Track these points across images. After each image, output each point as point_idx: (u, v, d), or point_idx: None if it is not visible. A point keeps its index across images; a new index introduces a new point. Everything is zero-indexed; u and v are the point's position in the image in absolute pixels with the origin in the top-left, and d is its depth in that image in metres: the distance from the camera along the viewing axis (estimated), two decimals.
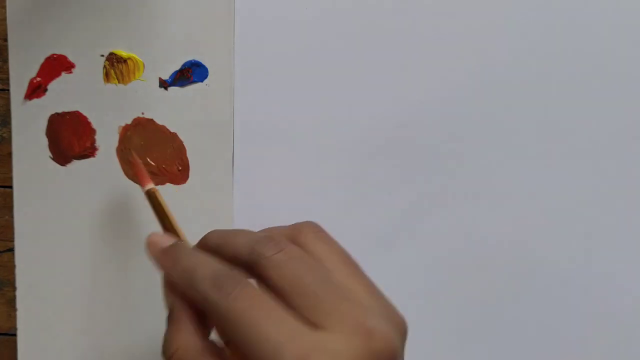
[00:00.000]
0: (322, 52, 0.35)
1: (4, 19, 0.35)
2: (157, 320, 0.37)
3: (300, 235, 0.27)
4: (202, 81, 0.35)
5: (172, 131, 0.36)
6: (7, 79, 0.35)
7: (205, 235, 0.28)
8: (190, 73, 0.35)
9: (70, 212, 0.36)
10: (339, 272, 0.26)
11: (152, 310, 0.36)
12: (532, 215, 0.36)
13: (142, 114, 0.35)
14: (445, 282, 0.36)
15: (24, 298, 0.37)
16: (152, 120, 0.35)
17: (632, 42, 0.35)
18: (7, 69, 0.35)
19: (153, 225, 0.36)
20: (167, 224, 0.31)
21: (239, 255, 0.26)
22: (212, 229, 0.28)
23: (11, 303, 0.37)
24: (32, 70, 0.35)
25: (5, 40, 0.35)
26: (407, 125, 0.35)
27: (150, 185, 0.32)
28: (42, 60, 0.35)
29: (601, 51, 0.35)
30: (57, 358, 0.37)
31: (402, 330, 0.25)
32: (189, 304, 0.27)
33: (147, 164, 0.36)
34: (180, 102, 0.35)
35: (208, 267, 0.26)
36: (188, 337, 0.26)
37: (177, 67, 0.35)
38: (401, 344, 0.25)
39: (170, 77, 0.35)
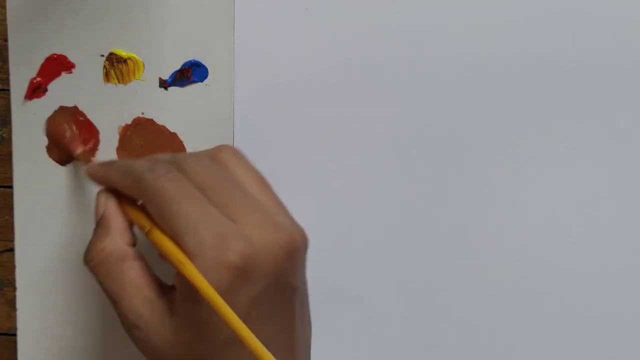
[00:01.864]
0: (322, 52, 0.35)
1: (4, 19, 0.35)
2: None
3: (218, 154, 0.29)
4: (202, 81, 0.35)
5: (172, 131, 0.36)
6: (7, 79, 0.35)
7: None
8: (190, 73, 0.35)
9: (70, 212, 0.36)
10: (252, 187, 0.29)
11: None
12: (532, 215, 0.36)
13: (142, 114, 0.35)
14: (445, 282, 0.36)
15: (24, 298, 0.37)
16: (152, 120, 0.35)
17: (633, 42, 0.35)
18: (7, 69, 0.35)
19: None
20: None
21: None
22: None
23: (11, 303, 0.37)
24: (32, 70, 0.35)
25: (5, 40, 0.35)
26: (408, 125, 0.35)
27: (81, 148, 0.35)
28: (42, 60, 0.35)
29: (601, 51, 0.35)
30: (57, 358, 0.37)
31: (303, 235, 0.28)
32: (119, 210, 0.29)
33: None
34: (180, 102, 0.35)
35: (143, 161, 0.29)
36: (113, 241, 0.28)
37: (177, 67, 0.35)
38: (304, 245, 0.28)
39: (170, 77, 0.35)
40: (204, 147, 0.35)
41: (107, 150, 0.36)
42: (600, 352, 0.37)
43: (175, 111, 0.35)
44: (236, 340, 0.24)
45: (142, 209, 0.28)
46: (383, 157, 0.36)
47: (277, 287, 0.26)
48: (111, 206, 0.29)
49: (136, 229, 0.29)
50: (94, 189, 0.36)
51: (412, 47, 0.35)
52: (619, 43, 0.35)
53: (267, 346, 0.24)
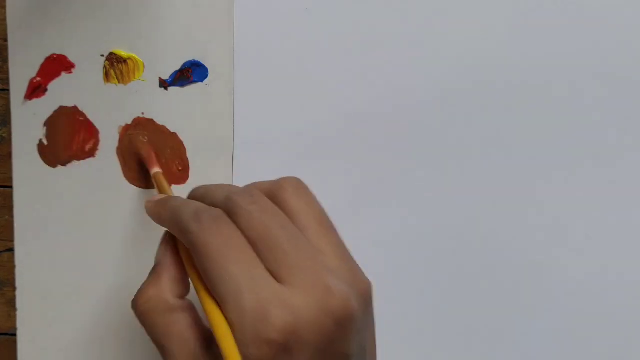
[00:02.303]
0: (323, 52, 0.35)
1: (4, 19, 0.35)
2: None
3: (279, 190, 0.27)
4: (202, 81, 0.35)
5: (172, 131, 0.36)
6: (7, 79, 0.35)
7: (193, 189, 0.30)
8: (190, 73, 0.35)
9: (70, 212, 0.36)
10: (312, 230, 0.26)
11: None
12: (532, 215, 0.36)
13: (142, 114, 0.35)
14: (445, 281, 0.36)
15: (24, 298, 0.37)
16: (152, 120, 0.35)
17: (633, 42, 0.35)
18: (7, 69, 0.35)
19: (153, 225, 0.36)
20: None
21: (215, 203, 0.27)
22: None
23: (11, 303, 0.37)
24: (32, 70, 0.35)
25: (5, 40, 0.35)
26: (408, 125, 0.35)
27: (158, 169, 0.34)
28: (42, 60, 0.35)
29: (602, 51, 0.35)
30: (57, 358, 0.37)
31: (365, 295, 0.26)
32: (175, 260, 0.28)
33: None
34: (180, 102, 0.35)
35: (192, 205, 0.27)
36: (162, 292, 0.27)
37: (177, 67, 0.35)
38: (360, 307, 0.25)
39: (170, 77, 0.35)
40: (204, 147, 0.35)
41: (107, 150, 0.36)
42: (601, 352, 0.37)
43: (175, 111, 0.35)
44: None
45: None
46: (383, 157, 0.36)
47: (328, 358, 0.24)
48: (168, 255, 0.28)
49: None
50: (94, 189, 0.36)
51: (413, 47, 0.35)
52: (619, 43, 0.35)
53: None
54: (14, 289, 0.37)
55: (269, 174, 0.34)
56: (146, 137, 0.35)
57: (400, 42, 0.35)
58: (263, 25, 0.35)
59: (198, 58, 0.35)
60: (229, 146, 0.35)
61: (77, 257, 0.36)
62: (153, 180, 0.34)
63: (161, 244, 0.29)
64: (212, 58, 0.35)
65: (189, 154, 0.36)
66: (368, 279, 0.26)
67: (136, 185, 0.36)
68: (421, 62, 0.35)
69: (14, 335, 0.37)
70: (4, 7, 0.35)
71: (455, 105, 0.35)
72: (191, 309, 0.27)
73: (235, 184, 0.36)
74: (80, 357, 0.37)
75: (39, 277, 0.36)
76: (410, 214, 0.36)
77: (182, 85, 0.35)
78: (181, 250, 0.28)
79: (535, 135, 0.35)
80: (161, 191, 0.33)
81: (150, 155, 0.35)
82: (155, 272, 0.28)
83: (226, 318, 0.24)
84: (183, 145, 0.36)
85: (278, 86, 0.35)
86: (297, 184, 0.28)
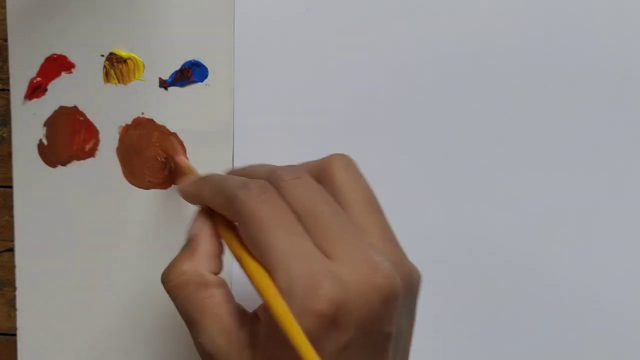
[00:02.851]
0: (322, 52, 0.35)
1: (4, 19, 0.35)
2: (157, 320, 0.37)
3: (329, 164, 0.27)
4: (202, 81, 0.35)
5: (172, 131, 0.36)
6: (7, 79, 0.35)
7: (230, 170, 0.29)
8: (190, 73, 0.35)
9: (70, 212, 0.36)
10: (357, 207, 0.26)
11: (153, 310, 0.36)
12: (532, 216, 0.36)
13: (142, 114, 0.35)
14: (444, 281, 0.36)
15: (24, 298, 0.37)
16: (152, 120, 0.35)
17: (632, 41, 0.35)
18: (7, 69, 0.35)
19: (153, 225, 0.36)
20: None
21: (259, 177, 0.26)
22: None
23: (11, 303, 0.37)
24: (32, 70, 0.35)
25: (5, 40, 0.35)
26: (409, 125, 0.36)
27: (184, 158, 0.34)
28: (42, 60, 0.35)
29: (602, 51, 0.35)
30: (57, 358, 0.37)
31: (407, 278, 0.25)
32: (210, 235, 0.27)
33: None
34: (180, 102, 0.35)
35: (237, 177, 0.27)
36: (197, 266, 0.27)
37: (177, 67, 0.35)
38: (404, 288, 0.25)
39: (170, 77, 0.35)
40: (204, 147, 0.35)
41: (107, 150, 0.36)
42: (600, 352, 0.37)
43: (175, 111, 0.35)
44: None
45: (237, 230, 0.27)
46: (383, 157, 0.36)
47: (370, 334, 0.24)
48: (205, 229, 0.27)
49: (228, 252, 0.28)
50: (95, 189, 0.36)
51: (413, 47, 0.35)
52: (619, 43, 0.35)
53: None
54: (14, 289, 0.37)
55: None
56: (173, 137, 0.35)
57: (400, 42, 0.35)
58: (263, 25, 0.35)
59: (198, 58, 0.35)
60: (229, 146, 0.35)
61: (77, 257, 0.36)
62: (179, 166, 0.34)
63: (196, 219, 0.28)
64: (212, 58, 0.35)
65: (189, 154, 0.36)
66: (414, 266, 0.26)
67: (136, 185, 0.36)
68: (421, 62, 0.35)
69: (14, 335, 0.37)
70: (4, 7, 0.35)
71: (455, 106, 0.35)
72: (224, 285, 0.27)
73: None
74: (80, 357, 0.37)
75: (39, 277, 0.36)
76: (410, 213, 0.36)
77: (182, 85, 0.35)
78: (220, 227, 0.27)
79: (535, 135, 0.35)
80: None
81: (179, 147, 0.35)
82: (189, 246, 0.27)
83: (275, 286, 0.23)
84: (183, 145, 0.36)
85: (278, 86, 0.35)
86: (347, 161, 0.28)
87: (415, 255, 0.36)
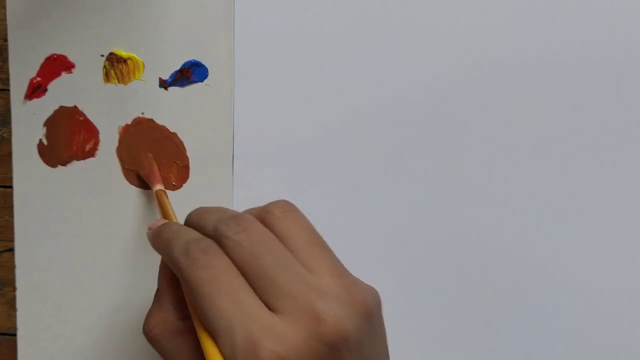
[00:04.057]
0: (322, 52, 0.35)
1: (4, 19, 0.35)
2: None
3: (268, 215, 0.27)
4: (202, 81, 0.35)
5: (172, 131, 0.36)
6: (7, 79, 0.35)
7: (190, 212, 0.29)
8: (190, 73, 0.35)
9: (70, 212, 0.36)
10: (303, 252, 0.26)
11: None
12: (532, 216, 0.36)
13: (142, 114, 0.35)
14: (445, 282, 0.36)
15: (24, 298, 0.37)
16: (152, 120, 0.35)
17: (632, 41, 0.35)
18: (7, 69, 0.35)
19: None
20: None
21: (206, 233, 0.27)
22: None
23: (11, 303, 0.37)
24: (32, 70, 0.35)
25: (5, 40, 0.35)
26: (408, 126, 0.36)
27: (160, 186, 0.34)
28: (42, 60, 0.35)
29: (602, 50, 0.35)
30: (57, 358, 0.37)
31: (362, 309, 0.25)
32: (173, 284, 0.28)
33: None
34: (180, 102, 0.35)
35: (182, 236, 0.27)
36: (165, 316, 0.28)
37: (177, 67, 0.35)
38: (357, 324, 0.25)
39: (170, 77, 0.35)
40: (203, 147, 0.35)
41: (107, 150, 0.36)
42: (601, 352, 0.37)
43: (175, 111, 0.35)
44: None
45: None
46: (383, 157, 0.36)
47: None
48: (165, 279, 0.29)
49: None
50: (95, 189, 0.36)
51: (413, 48, 0.35)
52: (619, 43, 0.35)
53: None
54: (14, 289, 0.37)
55: (268, 175, 0.34)
56: (150, 154, 0.35)
57: (401, 42, 0.35)
58: (263, 25, 0.35)
59: (198, 58, 0.35)
60: (229, 146, 0.35)
61: (77, 257, 0.36)
62: (155, 198, 0.34)
63: (161, 266, 0.29)
64: (212, 58, 0.35)
65: (189, 154, 0.36)
66: (369, 289, 0.26)
67: (136, 186, 0.36)
68: (422, 62, 0.35)
69: (14, 335, 0.37)
70: (4, 7, 0.35)
71: (455, 107, 0.35)
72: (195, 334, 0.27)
73: (235, 184, 0.36)
74: (80, 357, 0.37)
75: (39, 277, 0.36)
76: (413, 221, 0.36)
77: (182, 85, 0.35)
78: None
79: (535, 135, 0.35)
80: (162, 209, 0.32)
81: (153, 171, 0.35)
82: (157, 297, 0.29)
83: (220, 352, 0.24)
84: (183, 145, 0.36)
85: (278, 86, 0.35)
86: (285, 206, 0.27)
87: (416, 256, 0.36)
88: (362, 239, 0.36)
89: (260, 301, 0.24)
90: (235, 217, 0.27)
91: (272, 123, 0.35)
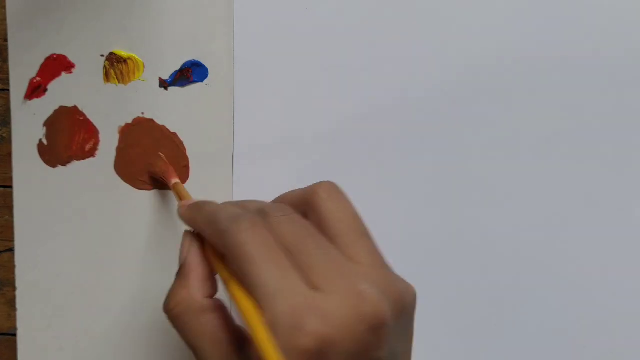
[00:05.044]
0: (322, 52, 0.35)
1: (4, 19, 0.35)
2: (157, 319, 0.37)
3: (314, 195, 0.27)
4: (202, 81, 0.35)
5: (172, 131, 0.36)
6: (7, 79, 0.35)
7: (223, 203, 0.29)
8: (190, 73, 0.35)
9: (70, 212, 0.36)
10: (344, 237, 0.26)
11: (152, 311, 0.36)
12: (532, 216, 0.36)
13: (142, 114, 0.35)
14: (444, 282, 0.36)
15: (24, 298, 0.37)
16: (152, 120, 0.35)
17: (632, 42, 0.35)
18: (7, 69, 0.35)
19: (153, 225, 0.36)
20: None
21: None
22: None
23: (11, 303, 0.37)
24: (32, 70, 0.35)
25: (5, 40, 0.35)
26: (408, 125, 0.36)
27: (176, 180, 0.34)
28: (42, 60, 0.35)
29: (601, 50, 0.35)
30: (57, 358, 0.37)
31: (398, 301, 0.25)
32: (200, 260, 0.28)
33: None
34: (180, 102, 0.35)
35: (230, 209, 0.27)
36: (191, 293, 0.27)
37: (177, 67, 0.35)
38: (395, 315, 0.25)
39: (170, 77, 0.35)
40: (203, 147, 0.35)
41: (107, 150, 0.36)
42: (600, 352, 0.37)
43: (175, 111, 0.35)
44: None
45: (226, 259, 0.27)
46: (383, 156, 0.36)
47: None
48: (193, 254, 0.28)
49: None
50: (95, 189, 0.36)
51: (414, 48, 0.35)
52: (619, 43, 0.35)
53: None
54: (14, 289, 0.37)
55: (268, 175, 0.34)
56: (162, 153, 0.35)
57: (401, 42, 0.35)
58: (263, 25, 0.35)
59: (198, 58, 0.35)
60: (229, 146, 0.35)
61: (77, 257, 0.36)
62: (173, 191, 0.34)
63: (183, 245, 0.29)
64: (212, 58, 0.35)
65: (189, 154, 0.36)
66: (408, 286, 0.26)
67: (135, 186, 0.36)
68: (422, 62, 0.35)
69: (14, 335, 0.37)
70: (4, 7, 0.35)
71: (456, 106, 0.35)
72: (222, 308, 0.27)
73: (235, 184, 0.36)
74: (80, 357, 0.37)
75: (39, 277, 0.36)
76: (413, 218, 0.36)
77: (182, 85, 0.35)
78: (209, 252, 0.28)
79: (536, 135, 0.36)
80: (184, 196, 0.33)
81: (168, 169, 0.35)
82: (182, 273, 0.28)
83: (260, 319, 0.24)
84: (183, 145, 0.36)
85: (278, 86, 0.35)
86: (331, 188, 0.28)
87: (415, 253, 0.36)
88: None
89: (303, 278, 0.24)
90: (278, 204, 0.27)
91: (272, 123, 0.35)
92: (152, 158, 0.35)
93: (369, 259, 0.26)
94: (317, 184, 0.28)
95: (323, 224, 0.27)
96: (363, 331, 0.24)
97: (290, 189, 0.36)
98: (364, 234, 0.27)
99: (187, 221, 0.29)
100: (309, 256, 0.25)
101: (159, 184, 0.36)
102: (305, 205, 0.28)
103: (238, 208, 0.27)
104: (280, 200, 0.29)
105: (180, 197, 0.33)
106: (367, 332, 0.24)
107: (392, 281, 0.26)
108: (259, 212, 0.27)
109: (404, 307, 0.25)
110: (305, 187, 0.28)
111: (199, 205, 0.29)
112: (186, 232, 0.29)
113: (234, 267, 0.26)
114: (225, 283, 0.26)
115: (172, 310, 0.27)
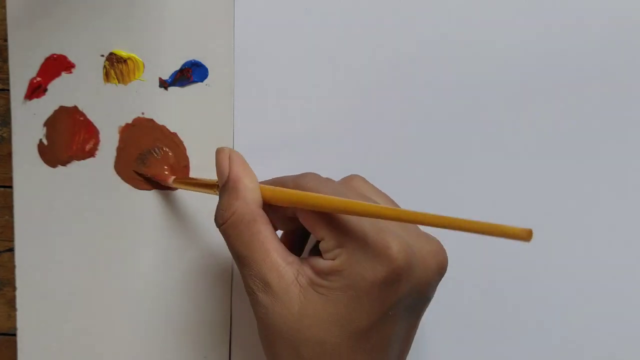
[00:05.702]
0: (322, 52, 0.35)
1: (4, 19, 0.35)
2: (157, 319, 0.37)
3: (351, 181, 0.30)
4: (202, 81, 0.35)
5: (172, 131, 0.36)
6: (7, 79, 0.35)
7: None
8: (190, 73, 0.35)
9: (70, 212, 0.36)
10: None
11: (152, 311, 0.36)
12: (532, 216, 0.36)
13: (142, 114, 0.35)
14: (445, 282, 0.36)
15: (24, 298, 0.37)
16: (152, 120, 0.35)
17: (631, 42, 0.35)
18: (7, 69, 0.35)
19: (152, 225, 0.36)
20: (209, 182, 0.32)
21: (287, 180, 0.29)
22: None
23: (11, 303, 0.37)
24: (32, 70, 0.35)
25: (5, 40, 0.35)
26: (408, 124, 0.36)
27: (172, 177, 0.35)
28: (42, 60, 0.35)
29: (601, 51, 0.35)
30: (57, 358, 0.37)
31: (444, 264, 0.28)
32: (244, 168, 0.30)
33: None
34: (180, 102, 0.35)
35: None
36: (243, 203, 0.29)
37: (177, 67, 0.35)
38: (418, 256, 0.27)
39: (170, 77, 0.35)
40: (204, 147, 0.35)
41: (107, 150, 0.36)
42: (601, 353, 0.37)
43: (175, 111, 0.35)
44: (365, 332, 0.26)
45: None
46: (383, 156, 0.36)
47: (417, 297, 0.27)
48: (237, 165, 0.30)
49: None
50: (95, 189, 0.36)
51: (412, 47, 0.35)
52: (618, 44, 0.35)
53: (392, 344, 0.27)
54: (14, 289, 0.37)
55: (268, 174, 0.34)
56: (159, 153, 0.36)
57: (400, 42, 0.35)
58: (263, 25, 0.35)
59: (198, 58, 0.35)
60: (229, 146, 0.35)
61: (77, 257, 0.36)
62: (178, 186, 0.35)
63: (221, 160, 0.30)
64: (212, 58, 0.35)
65: (189, 154, 0.36)
66: (441, 251, 0.28)
67: (135, 186, 0.36)
68: (422, 62, 0.35)
69: (14, 335, 0.37)
70: (4, 7, 0.35)
71: (456, 105, 0.35)
72: (269, 222, 0.29)
73: None
74: (81, 357, 0.37)
75: (39, 277, 0.36)
76: None
77: (182, 85, 0.35)
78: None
79: (535, 135, 0.35)
80: (198, 180, 0.33)
81: (161, 172, 0.35)
82: (230, 186, 0.29)
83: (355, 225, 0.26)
84: (183, 145, 0.36)
85: (278, 86, 0.35)
86: (363, 179, 0.30)
87: None
88: None
89: None
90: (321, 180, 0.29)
91: (272, 123, 0.35)
92: (145, 156, 0.36)
93: (416, 227, 0.28)
94: (349, 176, 0.31)
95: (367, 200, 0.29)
96: (433, 268, 0.27)
97: None
98: (395, 205, 0.30)
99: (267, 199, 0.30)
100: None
101: (158, 184, 0.36)
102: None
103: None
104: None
105: (193, 184, 0.33)
106: (435, 270, 0.27)
107: (426, 239, 0.28)
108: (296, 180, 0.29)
109: (440, 262, 0.28)
110: (342, 178, 0.31)
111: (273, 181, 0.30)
112: (220, 148, 0.31)
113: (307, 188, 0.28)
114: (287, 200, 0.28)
115: (228, 220, 0.28)
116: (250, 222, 0.28)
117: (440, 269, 0.27)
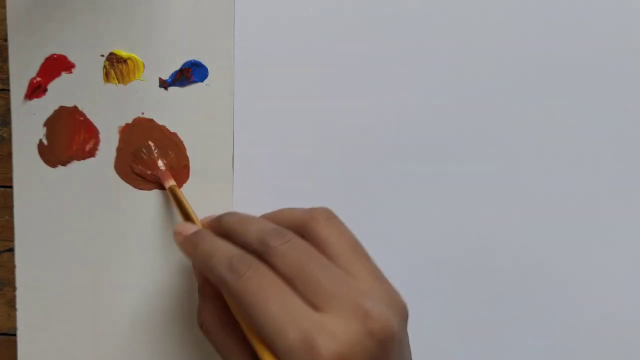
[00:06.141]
0: (322, 52, 0.35)
1: (4, 19, 0.35)
2: (157, 319, 0.37)
3: (312, 220, 0.29)
4: (202, 81, 0.35)
5: (172, 131, 0.36)
6: (7, 79, 0.35)
7: (221, 216, 0.31)
8: (190, 73, 0.35)
9: (70, 212, 0.36)
10: (344, 257, 0.28)
11: (152, 311, 0.36)
12: (532, 216, 0.36)
13: (142, 114, 0.35)
14: (445, 283, 0.36)
15: (24, 298, 0.37)
16: (152, 120, 0.35)
17: (632, 43, 0.35)
18: (7, 69, 0.35)
19: (152, 225, 0.36)
20: (186, 215, 0.33)
21: (249, 244, 0.28)
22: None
23: (11, 303, 0.37)
24: (32, 70, 0.35)
25: (5, 40, 0.35)
26: (410, 128, 0.36)
27: (172, 182, 0.35)
28: (42, 60, 0.35)
29: (601, 51, 0.35)
30: (57, 358, 0.37)
31: (402, 314, 0.27)
32: (211, 282, 0.29)
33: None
34: (180, 102, 0.35)
35: (224, 251, 0.28)
36: (211, 310, 0.30)
37: (177, 67, 0.35)
38: (400, 326, 0.26)
39: (170, 77, 0.35)
40: (204, 147, 0.35)
41: (107, 150, 0.36)
42: (600, 353, 0.37)
43: (175, 111, 0.35)
44: None
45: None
46: (383, 157, 0.36)
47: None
48: (202, 278, 0.31)
49: None
50: (95, 189, 0.36)
51: (412, 47, 0.35)
52: (618, 44, 0.35)
53: None
54: (14, 289, 0.37)
55: (268, 175, 0.34)
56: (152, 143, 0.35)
57: (401, 43, 0.35)
58: (263, 25, 0.35)
59: (198, 58, 0.35)
60: (229, 146, 0.35)
61: (77, 257, 0.36)
62: (169, 193, 0.35)
63: (195, 268, 0.31)
64: (212, 58, 0.35)
65: (189, 154, 0.36)
66: (403, 300, 0.28)
67: (135, 186, 0.36)
68: (422, 63, 0.35)
69: (14, 335, 0.37)
70: (4, 7, 0.35)
71: (456, 107, 0.35)
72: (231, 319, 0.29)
73: (235, 183, 0.36)
74: (80, 357, 0.37)
75: (39, 277, 0.36)
76: (415, 222, 0.36)
77: (182, 85, 0.35)
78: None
79: (535, 135, 0.35)
80: (180, 206, 0.33)
81: (165, 172, 0.35)
82: (200, 293, 0.31)
83: (277, 356, 0.25)
84: (183, 145, 0.36)
85: (278, 86, 0.35)
86: (328, 214, 0.29)
87: (417, 257, 0.36)
88: (362, 240, 0.36)
89: (307, 304, 0.26)
90: (278, 229, 0.28)
91: (272, 123, 0.35)
92: (139, 153, 0.36)
93: (370, 275, 0.27)
94: (314, 209, 0.29)
95: (322, 245, 0.28)
96: (373, 346, 0.25)
97: (290, 189, 0.36)
98: (363, 253, 0.29)
99: (186, 253, 0.30)
100: (313, 279, 0.26)
101: (157, 184, 0.36)
102: (303, 229, 0.29)
103: (233, 247, 0.28)
104: (278, 220, 0.30)
105: (177, 204, 0.33)
106: (377, 347, 0.25)
107: (394, 294, 0.27)
108: (260, 245, 0.28)
109: (405, 318, 0.27)
110: (303, 210, 0.30)
111: (195, 243, 0.30)
112: (177, 233, 0.31)
113: (239, 312, 0.27)
114: (240, 323, 0.28)
115: (201, 326, 0.30)
116: (218, 329, 0.29)
117: (383, 345, 0.25)
